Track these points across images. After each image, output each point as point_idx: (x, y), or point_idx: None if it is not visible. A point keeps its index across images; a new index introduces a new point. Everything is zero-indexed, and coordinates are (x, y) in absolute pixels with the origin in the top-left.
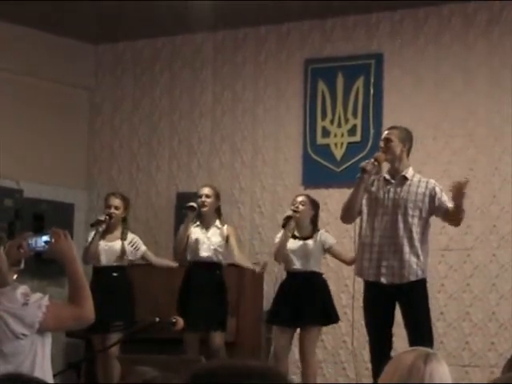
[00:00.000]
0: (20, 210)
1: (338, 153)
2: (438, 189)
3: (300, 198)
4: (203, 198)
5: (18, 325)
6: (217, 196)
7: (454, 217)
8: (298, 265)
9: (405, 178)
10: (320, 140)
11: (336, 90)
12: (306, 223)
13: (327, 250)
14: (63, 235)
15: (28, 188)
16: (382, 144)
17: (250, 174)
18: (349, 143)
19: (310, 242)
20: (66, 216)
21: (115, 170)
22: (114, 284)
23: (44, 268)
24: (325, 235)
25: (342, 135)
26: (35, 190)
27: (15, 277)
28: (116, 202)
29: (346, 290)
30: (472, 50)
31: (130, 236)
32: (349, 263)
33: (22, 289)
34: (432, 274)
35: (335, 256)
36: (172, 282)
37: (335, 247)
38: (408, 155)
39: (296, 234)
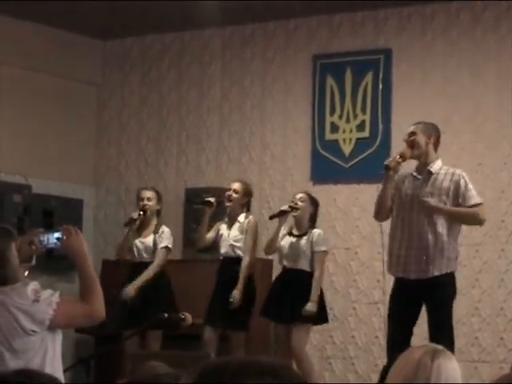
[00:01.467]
0: (29, 205)
1: (347, 148)
2: (462, 181)
3: (299, 195)
4: (230, 192)
5: (28, 321)
6: (245, 193)
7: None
8: (287, 262)
9: (430, 173)
10: (328, 136)
11: (344, 85)
12: (305, 221)
13: (312, 253)
14: (74, 232)
15: (36, 184)
16: (406, 137)
17: (258, 170)
18: (357, 139)
19: (303, 239)
20: (74, 212)
21: (123, 166)
22: (151, 281)
23: (53, 264)
24: (317, 238)
25: (351, 131)
26: (43, 186)
27: (26, 273)
28: (148, 193)
29: (355, 286)
30: (480, 45)
31: (162, 229)
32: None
33: (33, 285)
34: None
35: (314, 261)
36: (178, 278)
37: (320, 255)
38: (436, 148)
39: (294, 231)
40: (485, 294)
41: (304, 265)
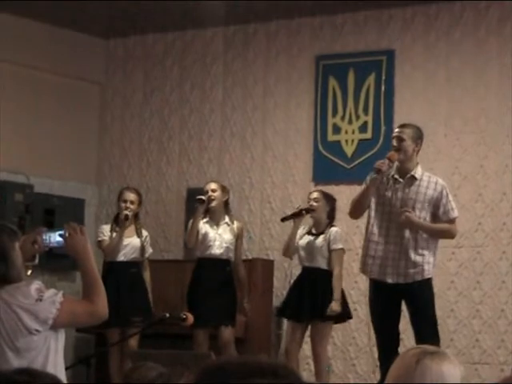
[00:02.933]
0: (30, 204)
1: (349, 149)
2: (445, 192)
3: (314, 195)
4: (210, 193)
5: (31, 320)
6: (223, 190)
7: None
8: (305, 261)
9: (414, 178)
10: (331, 136)
11: (347, 86)
12: (323, 219)
13: (330, 251)
14: (79, 230)
15: (38, 183)
16: (394, 143)
17: (260, 170)
18: (360, 140)
19: (319, 238)
20: (76, 211)
21: (125, 165)
22: (132, 280)
23: (55, 263)
24: (334, 236)
25: (353, 132)
26: (46, 185)
27: (29, 272)
28: (131, 196)
29: (356, 287)
30: (483, 46)
31: (144, 233)
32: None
33: (36, 284)
34: (442, 272)
35: (332, 259)
36: (180, 278)
37: (337, 253)
38: (417, 154)
39: (313, 230)
40: (486, 295)
41: (321, 263)
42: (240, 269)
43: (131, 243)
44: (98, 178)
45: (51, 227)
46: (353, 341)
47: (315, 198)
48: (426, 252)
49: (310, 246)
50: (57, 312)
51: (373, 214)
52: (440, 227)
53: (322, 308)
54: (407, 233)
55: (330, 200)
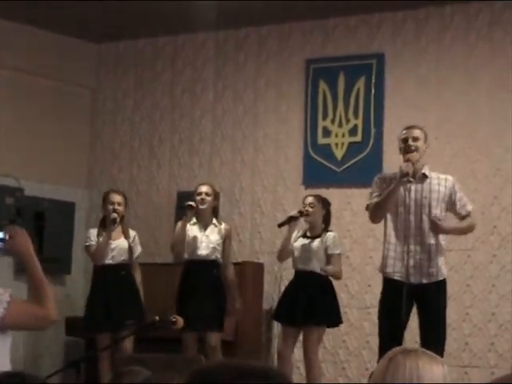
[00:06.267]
0: (21, 208)
1: (339, 153)
2: (457, 187)
3: (309, 200)
4: (203, 196)
5: None
6: (215, 196)
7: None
8: (301, 264)
9: (425, 176)
10: (321, 140)
11: (337, 89)
12: (319, 223)
13: (328, 256)
14: (19, 232)
15: (29, 186)
16: (411, 142)
17: (250, 174)
18: (350, 143)
19: (315, 241)
20: (66, 214)
21: (116, 169)
22: (123, 282)
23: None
24: (333, 241)
25: (343, 135)
26: (36, 189)
27: None
28: (118, 198)
29: (346, 291)
30: (474, 50)
31: (132, 233)
32: (334, 277)
33: None
34: None
35: (332, 264)
36: (171, 281)
37: (336, 257)
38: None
39: (308, 233)
40: (476, 299)
41: (316, 266)
42: (228, 271)
43: (119, 245)
44: (88, 182)
45: (42, 230)
46: (343, 344)
47: (310, 204)
48: (442, 251)
49: (305, 249)
50: (3, 311)
51: (388, 216)
52: (463, 225)
53: (316, 312)
54: (427, 232)
55: (325, 204)
